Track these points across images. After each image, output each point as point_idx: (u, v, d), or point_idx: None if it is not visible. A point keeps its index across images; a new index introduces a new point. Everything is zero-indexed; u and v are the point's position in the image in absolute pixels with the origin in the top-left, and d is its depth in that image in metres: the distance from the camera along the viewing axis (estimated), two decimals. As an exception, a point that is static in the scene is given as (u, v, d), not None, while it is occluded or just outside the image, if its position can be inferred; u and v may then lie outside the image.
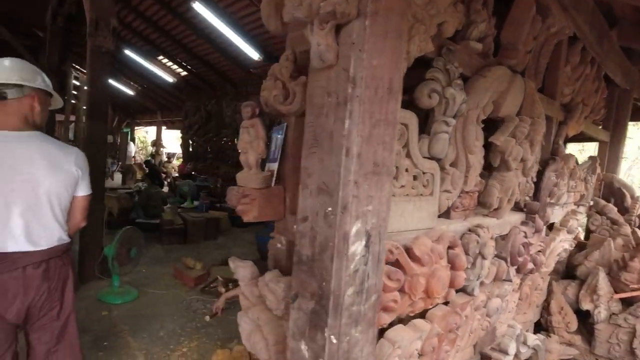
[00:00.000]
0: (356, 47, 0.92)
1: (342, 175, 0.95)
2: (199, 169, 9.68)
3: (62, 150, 1.55)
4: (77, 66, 12.78)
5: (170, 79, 9.34)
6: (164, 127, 15.12)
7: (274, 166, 1.30)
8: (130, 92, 12.18)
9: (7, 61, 1.48)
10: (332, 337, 0.99)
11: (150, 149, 14.50)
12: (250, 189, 1.23)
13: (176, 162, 15.11)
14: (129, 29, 7.68)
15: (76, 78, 13.22)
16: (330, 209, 0.98)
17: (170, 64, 8.81)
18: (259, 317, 1.31)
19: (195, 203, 7.88)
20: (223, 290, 3.89)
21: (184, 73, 8.95)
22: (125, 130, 15.87)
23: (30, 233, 1.44)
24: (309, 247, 1.04)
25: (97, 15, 3.59)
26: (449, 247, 1.42)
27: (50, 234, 1.50)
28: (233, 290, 2.85)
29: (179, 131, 14.49)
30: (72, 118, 13.69)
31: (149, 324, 3.17)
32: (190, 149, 10.33)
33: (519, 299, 2.18)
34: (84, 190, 1.63)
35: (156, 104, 13.14)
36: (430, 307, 1.43)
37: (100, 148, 3.76)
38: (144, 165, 10.99)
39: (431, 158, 1.42)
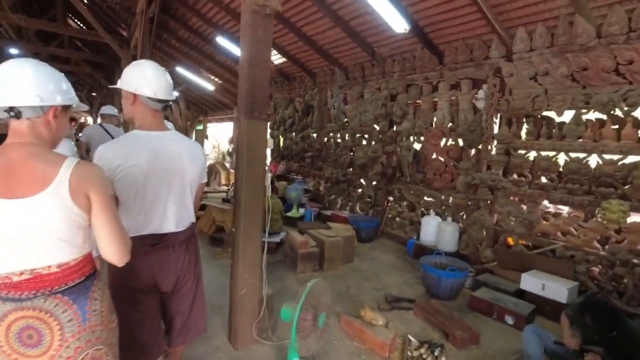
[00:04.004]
0: None
1: None
2: (295, 169, 8.57)
3: (193, 143, 1.81)
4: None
5: (262, 68, 8.25)
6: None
7: None
8: (211, 88, 11.40)
9: (168, 76, 1.70)
10: None
11: (228, 146, 13.78)
12: None
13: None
14: (225, 11, 6.64)
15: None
16: None
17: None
18: None
19: (302, 211, 6.75)
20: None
21: (280, 60, 7.81)
22: (198, 127, 15.41)
23: (178, 216, 1.69)
24: None
25: (261, -40, 2.37)
26: None
27: (188, 216, 1.75)
28: None
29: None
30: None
31: None
32: (281, 147, 9.25)
33: None
34: (205, 178, 1.86)
35: (234, 99, 12.29)
36: None
37: (259, 155, 2.58)
38: None
39: None
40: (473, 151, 4.82)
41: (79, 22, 13.24)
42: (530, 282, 3.71)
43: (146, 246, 1.59)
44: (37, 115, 1.14)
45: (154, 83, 1.61)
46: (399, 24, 4.59)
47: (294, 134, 8.56)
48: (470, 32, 4.58)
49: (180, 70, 10.83)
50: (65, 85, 1.22)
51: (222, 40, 7.42)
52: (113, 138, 4.90)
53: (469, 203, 4.84)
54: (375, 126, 6.27)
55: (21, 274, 1.12)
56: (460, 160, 4.98)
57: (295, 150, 8.55)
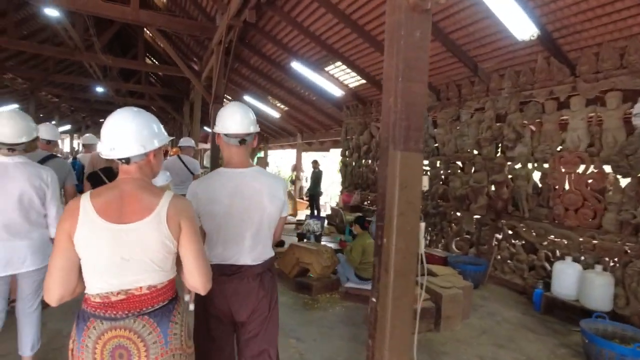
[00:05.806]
0: None
1: None
2: (372, 199, 7.86)
3: (275, 180, 1.78)
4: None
5: (337, 92, 7.83)
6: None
7: None
8: (276, 115, 11.27)
9: (250, 113, 1.75)
10: None
11: (291, 174, 13.52)
12: None
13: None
14: (302, 32, 6.31)
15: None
16: None
17: (341, 73, 7.26)
18: None
19: (387, 248, 5.95)
20: None
21: (357, 84, 7.31)
22: (258, 155, 15.41)
23: (254, 250, 1.70)
24: None
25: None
26: None
27: (265, 251, 1.75)
28: None
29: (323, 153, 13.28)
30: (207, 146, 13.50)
31: None
32: (352, 175, 8.63)
33: None
34: (286, 212, 1.83)
35: (298, 125, 12.07)
36: None
37: (414, 199, 1.90)
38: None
39: None
40: (627, 181, 3.79)
41: (153, 59, 14.10)
42: None
43: (222, 275, 1.65)
44: (141, 159, 1.29)
45: (227, 120, 1.70)
46: (524, 31, 3.82)
47: (370, 161, 7.91)
48: (620, 33, 3.67)
49: (247, 99, 10.84)
50: (157, 126, 1.34)
51: (296, 65, 7.12)
52: (188, 168, 4.83)
53: (627, 248, 3.76)
54: (476, 152, 5.41)
55: (118, 294, 1.20)
56: (605, 192, 3.95)
57: (371, 179, 7.86)
